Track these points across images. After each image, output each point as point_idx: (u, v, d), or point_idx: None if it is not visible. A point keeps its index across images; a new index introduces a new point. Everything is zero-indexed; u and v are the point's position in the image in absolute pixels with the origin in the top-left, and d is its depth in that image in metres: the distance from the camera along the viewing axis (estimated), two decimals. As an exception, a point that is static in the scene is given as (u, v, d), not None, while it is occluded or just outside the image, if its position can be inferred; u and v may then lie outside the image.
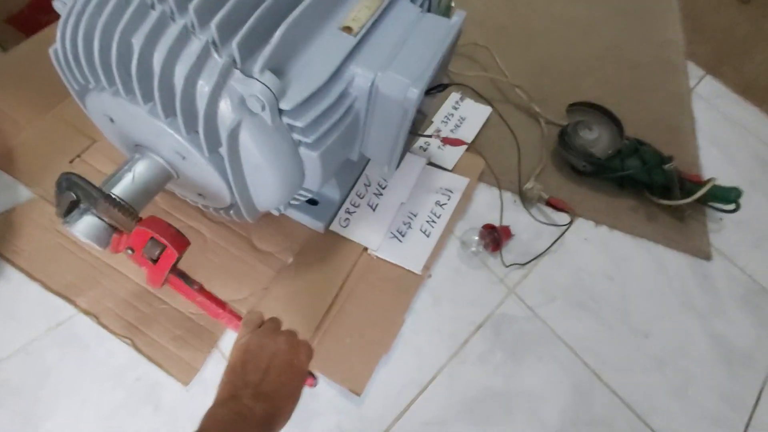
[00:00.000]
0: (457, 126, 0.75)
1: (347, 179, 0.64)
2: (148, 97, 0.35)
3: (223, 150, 0.37)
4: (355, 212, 0.63)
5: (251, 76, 0.34)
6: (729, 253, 0.72)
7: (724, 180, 0.69)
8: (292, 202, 0.56)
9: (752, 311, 0.67)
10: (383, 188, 0.65)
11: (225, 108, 0.35)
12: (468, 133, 0.74)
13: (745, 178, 0.80)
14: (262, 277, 0.56)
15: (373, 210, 0.63)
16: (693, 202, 0.68)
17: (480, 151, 0.71)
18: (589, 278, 0.66)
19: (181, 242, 0.42)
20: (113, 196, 0.39)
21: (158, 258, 0.41)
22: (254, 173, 0.41)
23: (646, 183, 0.70)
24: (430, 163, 0.69)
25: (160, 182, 0.42)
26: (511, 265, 0.64)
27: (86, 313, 0.51)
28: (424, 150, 0.70)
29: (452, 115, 0.76)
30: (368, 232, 0.61)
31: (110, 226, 0.40)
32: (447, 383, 0.54)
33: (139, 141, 0.42)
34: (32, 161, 0.59)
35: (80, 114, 0.47)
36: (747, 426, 0.57)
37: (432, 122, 0.75)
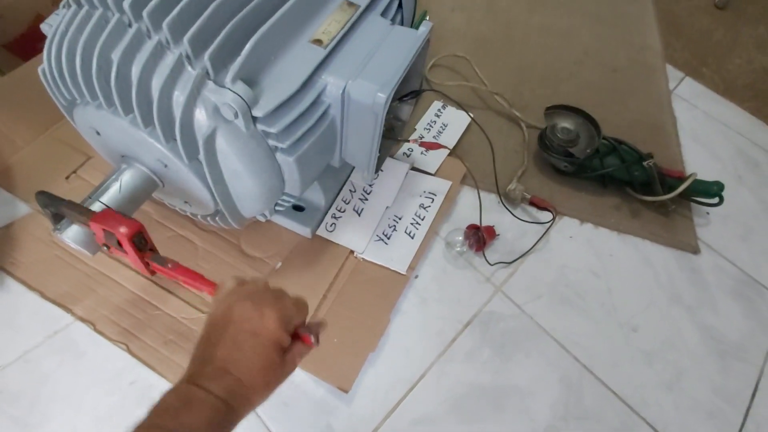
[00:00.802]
0: (439, 132, 0.77)
1: (332, 186, 0.66)
2: (127, 108, 0.38)
3: (202, 157, 0.39)
4: (341, 217, 0.65)
5: (223, 86, 0.37)
6: (717, 247, 0.72)
7: (710, 176, 0.71)
8: (278, 208, 0.58)
9: (743, 303, 0.67)
10: (368, 194, 0.67)
11: (200, 116, 0.38)
12: (450, 139, 0.76)
13: (731, 173, 0.82)
14: (251, 282, 0.58)
15: (359, 215, 0.65)
16: (677, 198, 0.70)
17: (462, 156, 0.74)
18: (575, 275, 0.67)
19: (129, 224, 0.39)
20: (76, 203, 0.41)
21: (119, 245, 0.40)
22: (234, 179, 0.44)
23: (627, 180, 0.72)
24: (414, 169, 0.71)
25: (147, 190, 0.45)
26: (496, 263, 0.65)
27: (83, 320, 0.53)
28: (408, 156, 0.73)
29: (435, 122, 0.79)
30: (354, 236, 0.63)
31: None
32: (435, 381, 0.55)
33: (124, 152, 0.45)
34: (29, 178, 0.62)
35: (75, 133, 0.50)
36: (744, 419, 0.57)
37: (415, 129, 0.77)
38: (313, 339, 0.35)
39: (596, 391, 0.57)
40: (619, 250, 0.70)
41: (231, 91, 0.37)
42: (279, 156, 0.45)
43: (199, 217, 0.53)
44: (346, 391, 0.50)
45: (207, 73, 0.37)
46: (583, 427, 0.54)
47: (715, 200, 0.71)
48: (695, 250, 0.71)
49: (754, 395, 0.59)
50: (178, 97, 0.37)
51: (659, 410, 0.56)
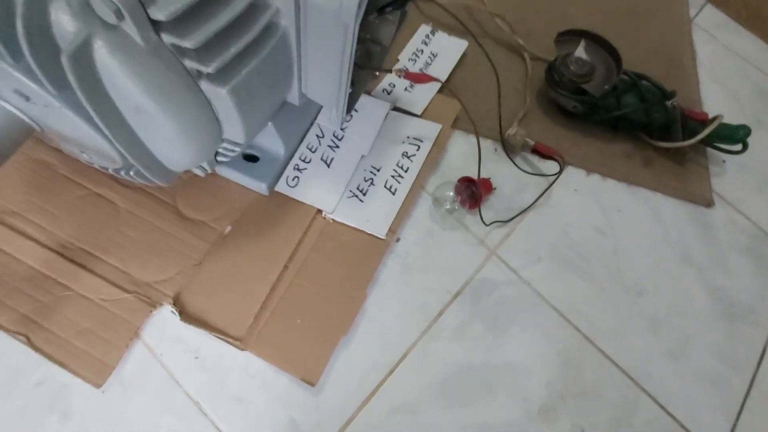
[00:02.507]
0: (427, 64, 0.63)
1: (294, 129, 0.53)
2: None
3: (73, 84, 0.26)
4: (305, 169, 0.52)
5: (93, -37, 0.23)
6: (731, 199, 0.65)
7: (728, 119, 0.61)
8: (220, 159, 0.45)
9: (755, 261, 0.61)
10: (340, 139, 0.55)
11: (60, 17, 0.24)
12: (441, 72, 0.63)
13: (749, 116, 0.73)
14: (192, 251, 0.46)
15: (328, 165, 0.53)
16: (695, 144, 0.60)
17: (454, 93, 0.61)
18: (579, 234, 0.58)
19: None
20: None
21: None
22: (140, 119, 0.30)
23: (644, 123, 0.61)
24: (396, 109, 0.58)
25: (15, 137, 0.31)
26: (491, 223, 0.55)
27: (-33, 307, 0.41)
28: (389, 93, 0.59)
29: (422, 51, 0.64)
30: (322, 192, 0.51)
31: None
32: (418, 363, 0.47)
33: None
34: None
35: None
36: (750, 387, 0.53)
37: (398, 60, 0.63)
38: None
39: (597, 364, 0.51)
40: (628, 205, 0.62)
41: (105, -28, 0.23)
42: (205, 85, 0.32)
43: (110, 170, 0.40)
44: (312, 384, 0.42)
45: (60, -60, 0.23)
46: (581, 404, 0.49)
47: (738, 147, 0.62)
48: (709, 204, 0.64)
49: (760, 361, 0.55)
50: (14, -18, 0.23)
51: (663, 382, 0.51)
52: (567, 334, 0.52)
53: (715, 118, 0.60)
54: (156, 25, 0.26)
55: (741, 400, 0.52)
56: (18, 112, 0.30)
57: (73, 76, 0.25)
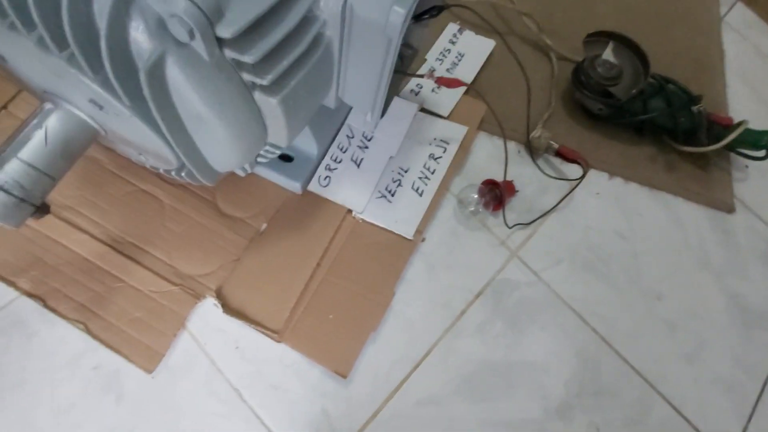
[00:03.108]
0: (454, 64, 0.64)
1: (326, 130, 0.55)
2: (28, 21, 0.26)
3: (147, 95, 0.28)
4: (336, 169, 0.54)
5: (170, -11, 0.25)
6: (753, 205, 0.65)
7: (756, 123, 0.61)
8: (260, 159, 0.47)
9: (774, 268, 0.61)
10: (369, 140, 0.56)
11: (139, 36, 0.26)
12: (467, 72, 0.63)
13: (776, 120, 0.72)
14: (231, 246, 0.49)
15: (358, 166, 0.55)
16: (719, 149, 0.61)
17: (481, 94, 0.61)
18: (599, 237, 0.59)
19: None
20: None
21: None
22: (198, 126, 0.32)
23: (670, 128, 0.62)
24: (423, 110, 0.60)
25: (84, 141, 0.34)
26: (514, 225, 0.57)
27: (30, 295, 0.44)
28: (416, 94, 0.60)
29: (449, 50, 0.65)
30: (352, 192, 0.53)
31: (23, 200, 0.32)
32: (442, 358, 0.50)
33: (45, 86, 0.32)
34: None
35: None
36: (761, 391, 0.54)
37: (425, 60, 0.64)
38: None
39: (614, 365, 0.53)
40: (649, 209, 0.62)
41: (182, -4, 0.25)
42: (258, 96, 0.33)
43: (161, 170, 0.42)
44: (344, 377, 0.45)
45: (141, -32, 0.25)
46: (597, 403, 0.51)
47: (762, 153, 0.62)
48: (730, 209, 0.64)
49: (773, 367, 0.56)
50: (101, 5, 0.25)
51: (678, 384, 0.53)
52: (585, 335, 0.54)
53: (740, 124, 0.60)
54: (220, 41, 0.28)
55: (753, 404, 0.54)
56: (89, 119, 0.33)
57: (147, 89, 0.27)
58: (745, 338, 0.57)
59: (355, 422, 0.46)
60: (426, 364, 0.49)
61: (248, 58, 0.29)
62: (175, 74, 0.28)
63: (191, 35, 0.26)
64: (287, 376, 0.46)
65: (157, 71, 0.27)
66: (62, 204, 0.47)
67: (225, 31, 0.27)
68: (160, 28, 0.26)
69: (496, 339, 0.52)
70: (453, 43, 0.66)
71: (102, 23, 0.25)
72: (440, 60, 0.64)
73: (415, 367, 0.49)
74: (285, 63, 0.32)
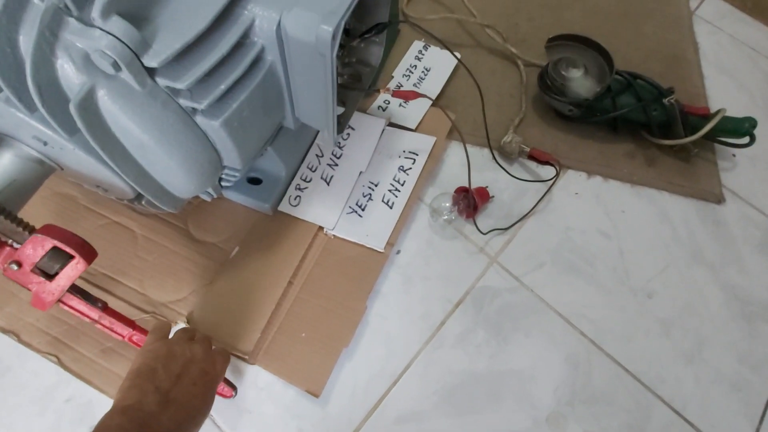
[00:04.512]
0: (421, 79, 0.65)
1: (293, 151, 0.56)
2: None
3: (82, 128, 0.29)
4: (306, 188, 0.55)
5: (92, 25, 0.26)
6: (744, 194, 0.63)
7: (738, 110, 0.60)
8: (224, 183, 0.49)
9: (773, 257, 0.59)
10: (338, 158, 0.57)
11: (67, 71, 0.27)
12: (435, 86, 0.64)
13: (760, 106, 0.71)
14: (203, 271, 0.49)
15: (328, 183, 0.55)
16: (700, 139, 0.59)
17: (448, 105, 0.62)
18: (582, 237, 0.58)
19: (90, 252, 0.36)
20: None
21: (57, 273, 0.35)
22: (145, 154, 0.34)
23: (644, 122, 0.61)
24: (391, 124, 0.60)
25: (38, 177, 0.35)
26: (490, 231, 0.56)
27: (4, 331, 0.45)
28: (383, 110, 0.62)
29: (415, 66, 0.67)
30: (323, 210, 0.54)
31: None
32: (422, 372, 0.48)
33: (-5, 126, 0.34)
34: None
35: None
36: (771, 388, 0.50)
37: (392, 77, 0.66)
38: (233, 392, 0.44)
39: (607, 369, 0.51)
40: (633, 205, 0.61)
41: (103, 31, 0.26)
42: (200, 120, 0.35)
43: (125, 201, 0.44)
44: (316, 396, 0.44)
45: (65, 5, 0.26)
46: (591, 411, 0.48)
47: (746, 140, 0.60)
48: (719, 200, 0.62)
49: (784, 361, 0.53)
50: (27, 44, 0.26)
51: (677, 386, 0.50)
52: (573, 339, 0.52)
53: (717, 112, 0.59)
54: (150, 71, 0.30)
55: (764, 402, 0.50)
56: (38, 154, 0.34)
57: (81, 122, 0.28)
58: (748, 333, 0.54)
59: (333, 443, 0.44)
60: (405, 378, 0.48)
61: (181, 85, 0.30)
62: (108, 105, 0.29)
63: (116, 67, 0.27)
64: (261, 399, 0.45)
65: (88, 104, 0.28)
66: (38, 241, 0.49)
67: (152, 61, 0.28)
68: (86, 62, 0.27)
69: (479, 348, 0.50)
70: (419, 59, 0.67)
71: (27, 63, 0.26)
72: (407, 76, 0.66)
73: (395, 382, 0.47)
74: (222, 87, 0.33)
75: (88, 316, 0.38)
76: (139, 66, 0.28)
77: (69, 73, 0.27)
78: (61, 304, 0.36)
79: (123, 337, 0.40)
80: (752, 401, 0.50)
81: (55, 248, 0.34)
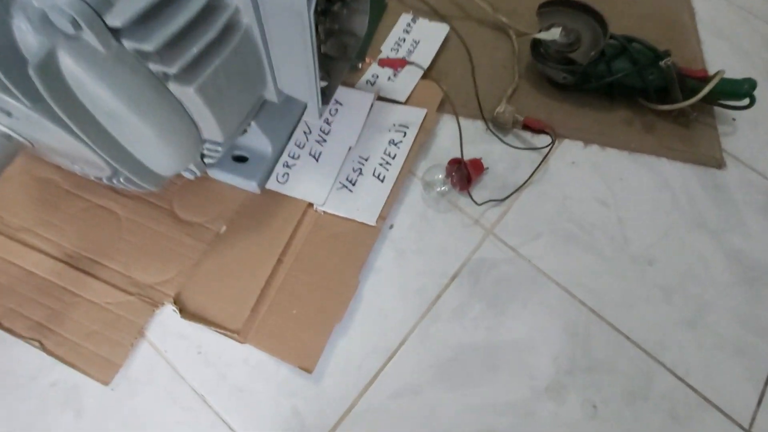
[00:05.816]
0: (410, 51, 0.63)
1: (280, 128, 0.54)
2: None
3: (45, 94, 0.27)
4: (295, 165, 0.53)
5: (46, -23, 0.25)
6: (745, 158, 0.61)
7: (737, 74, 0.58)
8: (207, 160, 0.47)
9: (775, 220, 0.57)
10: (327, 134, 0.56)
11: (24, 32, 0.26)
12: (424, 58, 0.62)
13: (760, 69, 0.69)
14: (190, 252, 0.48)
15: (317, 160, 0.54)
16: (698, 103, 0.57)
17: (439, 77, 0.61)
18: (579, 206, 0.56)
19: None
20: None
21: None
22: (116, 124, 0.32)
23: (640, 87, 0.59)
24: (381, 98, 0.59)
25: (6, 154, 0.34)
26: (485, 202, 0.55)
27: (-13, 318, 0.44)
28: (372, 84, 0.60)
29: (404, 39, 0.65)
30: (312, 186, 0.52)
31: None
32: (418, 346, 0.47)
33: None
34: None
35: None
36: (776, 351, 0.49)
37: (380, 51, 0.64)
38: None
39: (607, 337, 0.49)
40: (631, 173, 0.59)
41: (59, -15, 0.25)
42: (173, 87, 0.33)
43: (104, 179, 0.42)
44: (309, 371, 0.43)
45: (15, -42, 0.25)
46: (592, 379, 0.47)
47: (746, 102, 0.59)
48: (720, 164, 0.60)
49: (789, 324, 0.51)
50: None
51: (680, 352, 0.49)
52: (572, 308, 0.51)
53: (716, 74, 0.57)
54: (115, 32, 0.28)
55: (769, 366, 0.49)
56: (4, 128, 0.33)
57: (42, 86, 0.27)
58: (752, 296, 0.52)
59: (328, 419, 0.43)
60: (401, 353, 0.47)
61: (149, 47, 0.29)
62: (71, 69, 0.27)
63: (75, 26, 0.25)
64: (253, 378, 0.44)
65: (48, 67, 0.27)
66: (18, 226, 0.48)
67: (116, 20, 0.27)
68: (44, 22, 0.26)
69: (475, 321, 0.49)
70: (407, 32, 0.65)
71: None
72: (395, 50, 0.64)
73: (390, 357, 0.46)
74: (194, 51, 0.31)
75: None
76: (101, 25, 0.26)
77: (26, 35, 0.26)
78: None
79: None
80: (756, 366, 0.49)
81: None
